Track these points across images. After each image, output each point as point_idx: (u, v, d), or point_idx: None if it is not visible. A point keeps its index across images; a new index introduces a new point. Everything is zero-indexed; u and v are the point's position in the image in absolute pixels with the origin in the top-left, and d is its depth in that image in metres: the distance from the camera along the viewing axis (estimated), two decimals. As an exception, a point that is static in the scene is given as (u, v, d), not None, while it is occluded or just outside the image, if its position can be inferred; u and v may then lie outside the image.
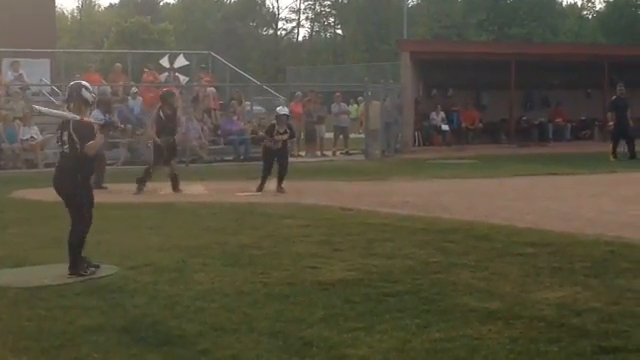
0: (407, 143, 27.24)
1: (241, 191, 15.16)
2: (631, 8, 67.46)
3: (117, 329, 6.07)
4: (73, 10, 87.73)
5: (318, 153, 25.15)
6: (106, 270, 8.08)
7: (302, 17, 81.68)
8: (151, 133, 15.93)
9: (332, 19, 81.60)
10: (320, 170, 19.11)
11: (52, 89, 24.24)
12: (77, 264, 7.98)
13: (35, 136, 20.85)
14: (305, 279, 7.53)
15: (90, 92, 8.24)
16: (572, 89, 30.08)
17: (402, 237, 9.70)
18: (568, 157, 23.07)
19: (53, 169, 8.58)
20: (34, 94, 24.07)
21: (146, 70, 26.14)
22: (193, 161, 21.59)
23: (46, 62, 25.72)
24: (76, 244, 8.05)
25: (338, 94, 27.75)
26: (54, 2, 31.50)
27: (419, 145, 27.84)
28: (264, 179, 15.23)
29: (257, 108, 26.61)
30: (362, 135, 26.82)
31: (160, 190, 15.12)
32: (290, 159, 16.34)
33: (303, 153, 25.05)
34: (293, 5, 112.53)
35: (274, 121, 15.51)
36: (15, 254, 9.04)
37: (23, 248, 9.41)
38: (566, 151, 25.73)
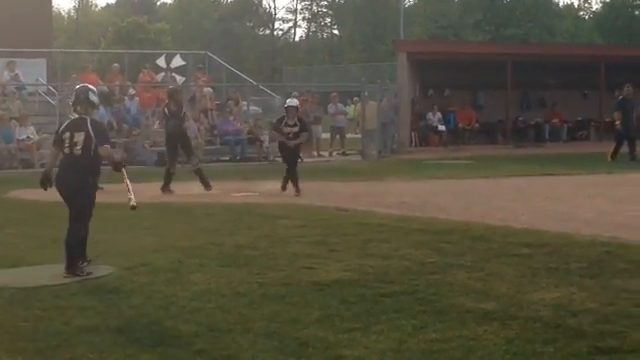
0: (404, 143, 27.24)
1: (237, 191, 15.16)
2: (628, 9, 67.40)
3: (113, 329, 6.08)
4: (70, 10, 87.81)
5: (315, 153, 25.15)
6: (102, 270, 8.09)
7: (299, 17, 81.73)
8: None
9: (329, 19, 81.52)
10: (316, 170, 19.07)
11: (48, 89, 24.19)
12: (73, 264, 8.00)
13: (31, 136, 20.83)
14: (301, 280, 7.54)
15: (96, 95, 8.57)
16: (569, 90, 30.06)
17: (398, 238, 9.70)
18: (564, 158, 23.10)
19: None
20: (30, 94, 24.07)
21: (143, 70, 26.12)
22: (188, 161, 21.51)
23: (42, 62, 25.66)
24: (73, 244, 8.07)
25: (335, 94, 27.68)
26: (51, 2, 31.38)
27: (416, 145, 27.83)
28: (291, 178, 15.02)
29: (253, 108, 26.59)
30: (359, 135, 26.82)
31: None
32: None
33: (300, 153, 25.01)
34: (290, 5, 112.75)
35: (285, 114, 15.49)
36: (11, 254, 9.03)
37: (19, 248, 9.40)
38: (562, 152, 25.77)
